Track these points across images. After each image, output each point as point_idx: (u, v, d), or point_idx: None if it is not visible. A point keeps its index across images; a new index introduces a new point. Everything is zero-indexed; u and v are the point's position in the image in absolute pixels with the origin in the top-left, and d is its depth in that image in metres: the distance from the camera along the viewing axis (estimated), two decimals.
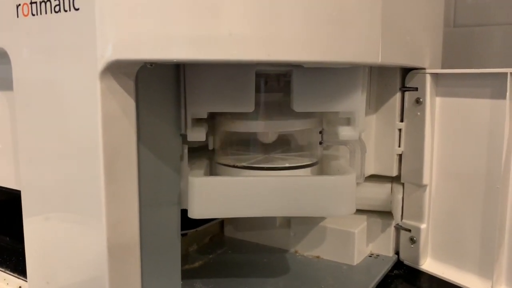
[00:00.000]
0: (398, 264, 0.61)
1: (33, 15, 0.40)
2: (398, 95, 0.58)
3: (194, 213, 0.44)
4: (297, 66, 0.45)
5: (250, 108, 0.45)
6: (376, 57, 0.41)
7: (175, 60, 0.38)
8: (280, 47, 0.36)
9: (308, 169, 0.50)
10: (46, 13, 0.39)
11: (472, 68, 0.53)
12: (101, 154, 0.37)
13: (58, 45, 0.39)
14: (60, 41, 0.39)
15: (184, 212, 0.47)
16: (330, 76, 0.45)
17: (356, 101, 0.47)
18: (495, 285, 0.52)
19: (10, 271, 0.51)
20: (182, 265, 0.48)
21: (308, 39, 0.36)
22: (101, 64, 0.36)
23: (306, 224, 0.63)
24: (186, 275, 0.55)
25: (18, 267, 0.52)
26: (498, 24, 0.80)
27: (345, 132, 0.48)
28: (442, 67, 0.66)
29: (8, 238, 0.64)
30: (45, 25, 0.39)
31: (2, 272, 0.51)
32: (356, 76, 0.46)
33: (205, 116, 0.46)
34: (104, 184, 0.38)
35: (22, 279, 0.48)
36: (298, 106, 0.46)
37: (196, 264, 0.60)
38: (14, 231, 0.64)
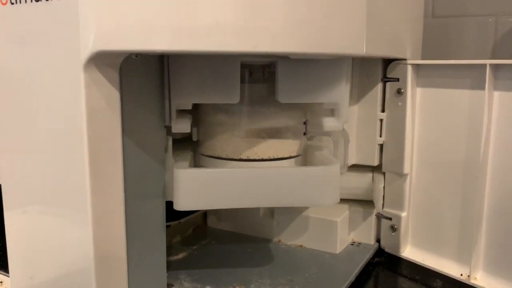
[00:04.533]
0: (379, 252, 0.62)
1: (12, 3, 0.39)
2: (379, 86, 0.59)
3: (179, 205, 0.44)
4: (282, 57, 0.45)
5: (235, 99, 0.45)
6: (361, 49, 0.41)
7: (159, 51, 0.38)
8: (266, 39, 0.36)
9: (293, 160, 0.51)
10: (26, 1, 0.38)
11: (449, 58, 0.55)
12: (86, 146, 0.37)
13: (40, 36, 0.38)
14: (42, 31, 0.38)
15: (167, 204, 0.46)
16: (315, 67, 0.46)
17: (340, 92, 0.47)
18: (473, 270, 0.54)
19: None
20: (166, 257, 0.48)
21: (295, 30, 0.36)
22: (84, 55, 0.35)
23: (289, 213, 0.63)
24: (171, 266, 0.55)
25: None
26: (473, 16, 0.82)
27: (329, 123, 0.49)
28: (422, 58, 0.66)
29: None
30: (26, 14, 0.38)
31: None
32: (341, 68, 0.46)
33: (190, 108, 0.46)
34: (89, 176, 0.37)
35: (4, 274, 0.47)
36: (283, 97, 0.46)
37: (180, 256, 0.60)
38: None
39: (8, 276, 0.46)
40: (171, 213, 0.53)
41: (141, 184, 0.43)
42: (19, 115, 0.41)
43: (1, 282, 0.47)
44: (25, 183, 0.42)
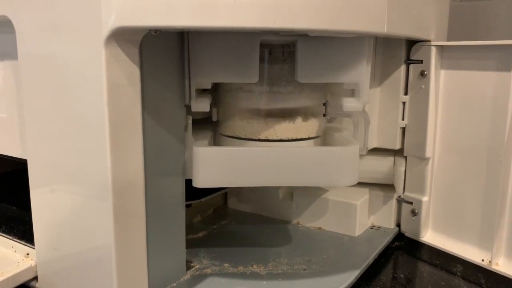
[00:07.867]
0: (399, 236, 0.62)
1: None
2: (402, 68, 0.58)
3: (199, 182, 0.45)
4: (302, 36, 0.44)
5: (254, 79, 0.45)
6: (381, 27, 0.41)
7: (179, 28, 0.38)
8: (285, 15, 0.36)
9: (312, 141, 0.50)
10: None
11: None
12: (107, 122, 0.38)
13: (63, 13, 0.39)
14: (65, 8, 0.38)
15: (188, 183, 0.47)
16: (335, 46, 0.45)
17: (361, 72, 0.47)
18: (495, 256, 0.53)
19: (18, 238, 0.52)
20: (186, 235, 0.49)
21: (314, 7, 0.36)
22: (105, 31, 0.36)
23: (309, 196, 0.63)
24: (190, 244, 0.56)
25: (26, 235, 0.52)
26: None
27: (349, 103, 0.48)
28: (448, 41, 0.65)
29: (14, 207, 0.65)
30: None
31: (10, 240, 0.52)
32: (361, 47, 0.46)
33: (209, 87, 0.46)
34: (110, 152, 0.38)
35: (30, 247, 0.49)
36: (303, 76, 0.46)
37: (200, 234, 0.61)
38: (20, 200, 0.65)
39: (34, 248, 0.47)
40: (192, 193, 0.54)
41: (161, 161, 0.44)
42: (42, 92, 0.42)
43: (27, 254, 0.49)
44: (50, 158, 0.43)
